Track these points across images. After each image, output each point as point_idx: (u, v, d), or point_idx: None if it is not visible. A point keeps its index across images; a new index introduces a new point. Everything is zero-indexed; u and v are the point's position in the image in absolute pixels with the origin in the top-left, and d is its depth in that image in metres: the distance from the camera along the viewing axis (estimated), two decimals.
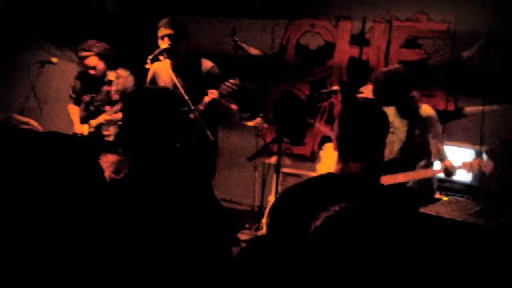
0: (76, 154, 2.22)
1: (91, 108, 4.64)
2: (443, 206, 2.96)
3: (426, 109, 3.67)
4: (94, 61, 4.50)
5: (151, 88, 2.15)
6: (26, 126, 2.01)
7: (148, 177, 1.82)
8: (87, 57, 4.48)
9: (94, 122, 4.57)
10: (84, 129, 4.60)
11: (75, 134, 4.60)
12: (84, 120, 4.66)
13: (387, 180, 3.61)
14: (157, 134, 1.83)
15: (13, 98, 5.38)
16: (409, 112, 3.61)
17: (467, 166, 3.57)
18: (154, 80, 4.05)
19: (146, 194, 1.78)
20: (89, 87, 4.65)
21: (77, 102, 4.76)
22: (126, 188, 1.82)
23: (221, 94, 3.71)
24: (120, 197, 1.79)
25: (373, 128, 1.97)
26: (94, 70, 4.52)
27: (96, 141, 4.56)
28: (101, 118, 4.53)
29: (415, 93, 3.65)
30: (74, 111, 4.76)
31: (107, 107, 4.52)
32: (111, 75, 4.60)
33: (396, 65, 3.86)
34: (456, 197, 3.42)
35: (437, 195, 4.03)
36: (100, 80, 4.58)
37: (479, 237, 2.56)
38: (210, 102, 3.69)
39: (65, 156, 2.13)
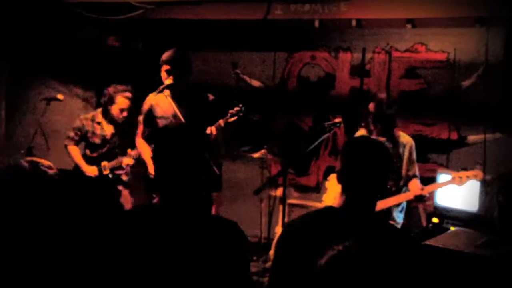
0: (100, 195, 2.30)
1: (101, 150, 4.67)
2: (449, 238, 2.97)
3: (404, 135, 3.99)
4: (128, 104, 4.58)
5: (177, 127, 2.20)
6: (50, 171, 2.08)
7: (177, 205, 1.88)
8: (127, 98, 4.57)
9: (109, 164, 4.61)
10: (93, 171, 4.62)
11: (89, 177, 4.62)
12: (90, 162, 4.68)
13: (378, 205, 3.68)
14: (187, 170, 1.90)
15: (20, 135, 5.45)
16: (392, 138, 3.88)
17: (456, 179, 3.72)
18: (151, 111, 4.05)
19: (174, 225, 1.84)
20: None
21: (78, 143, 4.77)
22: (157, 218, 1.88)
23: (226, 123, 3.78)
24: (151, 226, 1.85)
25: (376, 162, 1.99)
26: (127, 112, 4.58)
27: (114, 182, 4.64)
28: (124, 161, 4.58)
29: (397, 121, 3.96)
30: (77, 153, 4.75)
31: (129, 151, 4.57)
32: None
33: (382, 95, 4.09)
34: (462, 228, 3.43)
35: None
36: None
37: (485, 270, 2.57)
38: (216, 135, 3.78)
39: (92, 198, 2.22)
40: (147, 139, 4.07)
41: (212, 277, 1.78)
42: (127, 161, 4.58)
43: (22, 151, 4.56)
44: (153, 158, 1.99)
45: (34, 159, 2.18)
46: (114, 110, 4.61)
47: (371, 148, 2.04)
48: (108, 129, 4.69)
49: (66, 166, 5.19)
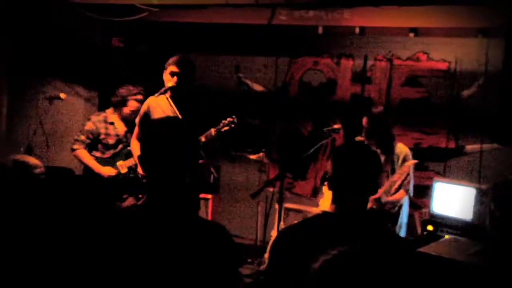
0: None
1: (114, 150, 4.63)
2: (443, 246, 2.99)
3: (399, 146, 4.02)
4: (138, 106, 4.45)
5: (167, 118, 2.11)
6: (37, 170, 2.09)
7: (163, 206, 1.84)
8: (138, 101, 4.51)
9: (125, 164, 4.59)
10: (110, 171, 4.58)
11: (106, 177, 4.56)
12: (103, 163, 4.61)
13: None
14: (174, 164, 1.85)
15: (21, 133, 5.48)
16: (388, 148, 3.93)
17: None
18: (147, 113, 3.99)
19: (159, 224, 1.81)
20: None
21: (88, 146, 4.64)
22: (143, 216, 1.85)
23: (217, 131, 3.80)
24: (136, 224, 1.82)
25: (365, 167, 2.02)
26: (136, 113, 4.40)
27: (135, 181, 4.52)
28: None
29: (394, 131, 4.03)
30: (88, 156, 4.62)
31: (120, 162, 4.56)
32: None
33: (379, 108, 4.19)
34: (456, 236, 3.45)
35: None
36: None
37: (477, 278, 2.58)
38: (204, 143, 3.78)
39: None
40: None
41: (197, 283, 1.75)
42: None
43: (21, 149, 4.58)
44: (141, 148, 1.89)
45: (20, 157, 2.18)
46: (125, 111, 4.62)
47: (359, 154, 2.07)
48: (121, 128, 4.68)
49: (64, 164, 5.22)
